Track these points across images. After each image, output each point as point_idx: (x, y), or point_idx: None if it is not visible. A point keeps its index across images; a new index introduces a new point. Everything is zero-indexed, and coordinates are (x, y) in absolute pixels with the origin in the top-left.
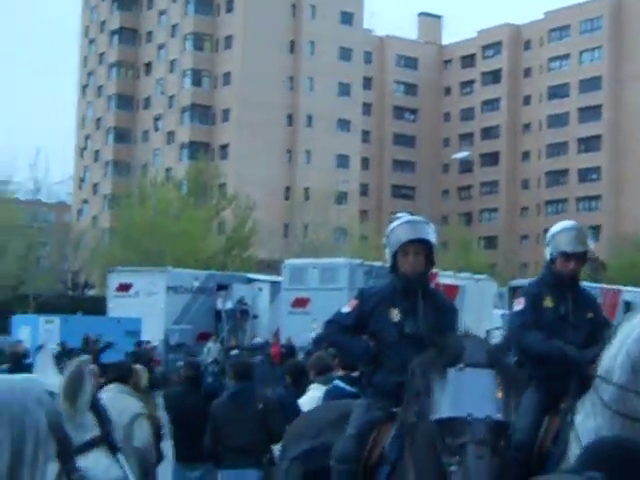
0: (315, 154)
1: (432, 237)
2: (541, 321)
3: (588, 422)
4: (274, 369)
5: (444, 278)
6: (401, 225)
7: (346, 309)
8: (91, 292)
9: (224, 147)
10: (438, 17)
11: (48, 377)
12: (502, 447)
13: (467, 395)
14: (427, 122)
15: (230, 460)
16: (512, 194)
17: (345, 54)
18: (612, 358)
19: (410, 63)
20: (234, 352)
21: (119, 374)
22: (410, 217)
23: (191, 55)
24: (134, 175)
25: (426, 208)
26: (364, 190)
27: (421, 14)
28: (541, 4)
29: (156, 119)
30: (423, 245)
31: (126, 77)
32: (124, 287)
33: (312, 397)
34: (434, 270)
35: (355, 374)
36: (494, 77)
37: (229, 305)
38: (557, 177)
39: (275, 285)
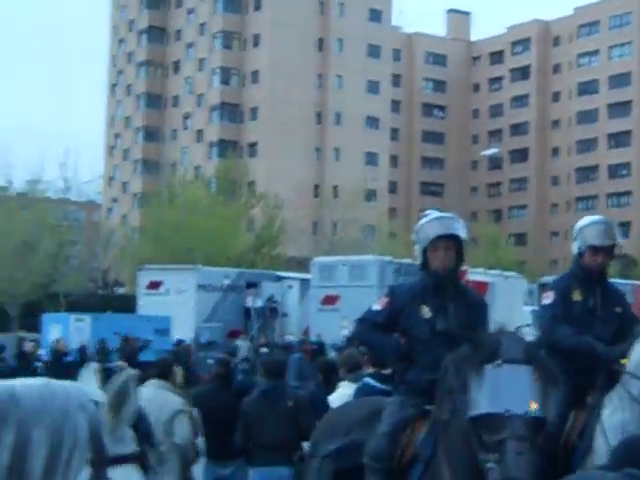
0: (344, 152)
1: (462, 232)
2: (570, 314)
3: (615, 417)
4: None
5: (474, 275)
6: (431, 221)
7: (377, 307)
8: (121, 290)
9: (253, 145)
10: (467, 14)
11: (91, 389)
12: (540, 443)
13: (505, 391)
14: (456, 119)
15: (261, 457)
16: (542, 191)
17: (374, 51)
18: None
19: (439, 60)
20: (264, 350)
21: (160, 371)
22: (440, 213)
23: (220, 53)
24: (163, 173)
25: (455, 205)
26: (393, 187)
27: (450, 11)
28: (570, 0)
29: (185, 117)
30: (453, 241)
31: (155, 76)
32: (154, 285)
33: (342, 394)
34: (464, 267)
35: (385, 371)
36: (523, 73)
37: (259, 303)
38: (587, 173)
39: (304, 283)
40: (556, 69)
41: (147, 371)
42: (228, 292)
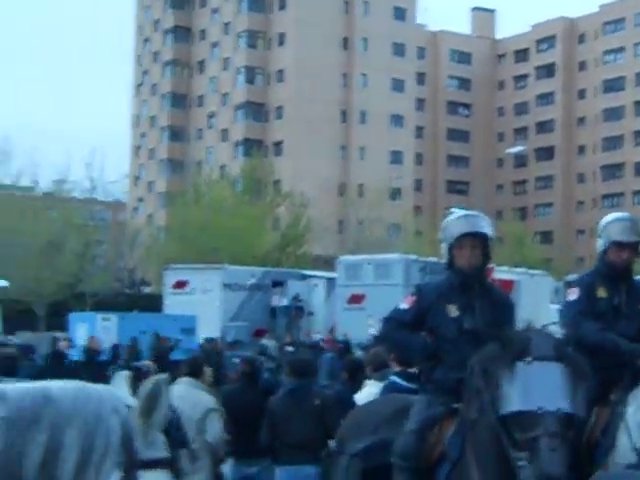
0: (369, 150)
1: (488, 230)
2: (594, 311)
3: (639, 414)
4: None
5: (499, 273)
6: (456, 219)
7: (404, 306)
8: (147, 290)
9: (278, 144)
10: (492, 11)
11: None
12: (572, 439)
13: (536, 388)
14: (481, 117)
15: (287, 456)
16: (567, 188)
17: (398, 50)
18: None
19: (464, 58)
20: (289, 349)
21: (191, 369)
22: (466, 211)
23: (244, 53)
24: (189, 173)
25: (480, 203)
26: (418, 186)
27: (475, 9)
28: None
29: (210, 117)
30: (479, 239)
31: (180, 75)
32: (180, 284)
33: (369, 393)
34: (491, 265)
35: (412, 370)
36: (548, 71)
37: (284, 302)
38: (613, 171)
39: (330, 281)
40: (582, 66)
41: (177, 370)
42: (254, 291)
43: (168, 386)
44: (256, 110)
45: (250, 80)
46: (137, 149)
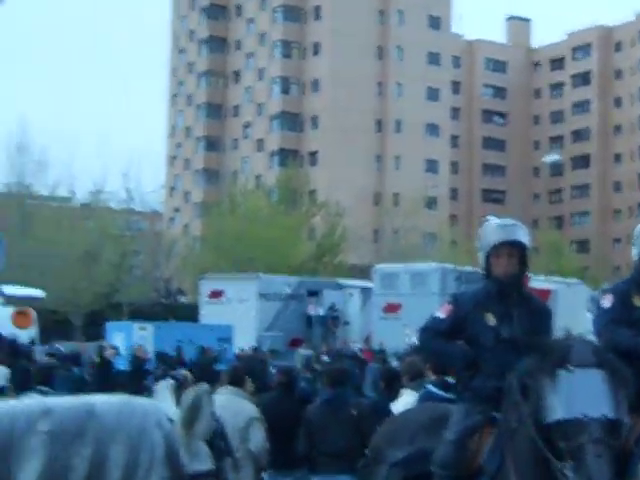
0: (404, 159)
1: (525, 239)
2: (629, 319)
3: None
4: None
5: (536, 282)
6: (494, 227)
7: (441, 315)
8: (183, 299)
9: (313, 154)
10: (527, 20)
11: (167, 406)
12: (617, 446)
13: (580, 396)
14: (517, 125)
15: (324, 465)
16: (604, 197)
17: (433, 59)
18: None
19: (499, 66)
20: (325, 358)
21: (233, 378)
22: (503, 220)
23: (280, 63)
24: (224, 183)
25: (516, 212)
26: (454, 195)
27: (510, 18)
28: (632, 5)
29: (245, 127)
30: (516, 247)
31: (215, 86)
32: (216, 294)
33: (405, 402)
34: (527, 274)
35: (448, 379)
36: (584, 79)
37: (320, 311)
38: None
39: (366, 291)
40: (618, 74)
41: (222, 378)
42: (289, 301)
43: (210, 396)
44: (291, 120)
45: (285, 90)
46: (173, 159)
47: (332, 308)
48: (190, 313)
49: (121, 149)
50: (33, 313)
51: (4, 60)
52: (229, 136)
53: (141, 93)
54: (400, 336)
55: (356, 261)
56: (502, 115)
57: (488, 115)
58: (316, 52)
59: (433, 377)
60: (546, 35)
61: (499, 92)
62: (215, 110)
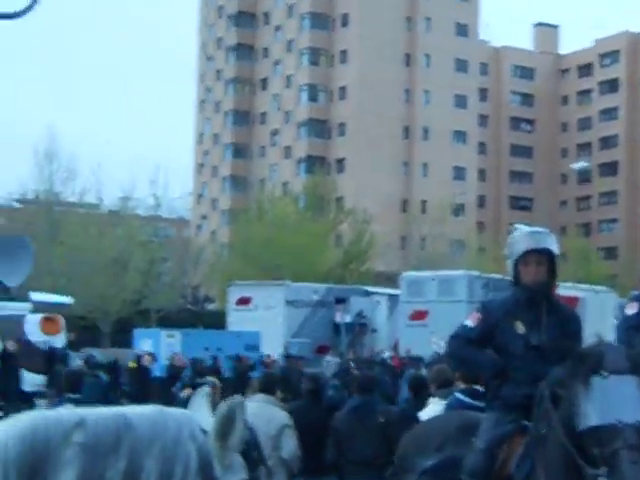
0: (432, 166)
1: (554, 247)
2: None
3: None
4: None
5: (564, 290)
6: (522, 235)
7: (470, 323)
8: (211, 306)
9: (341, 161)
10: (555, 27)
11: (202, 416)
12: None
13: (614, 402)
14: (544, 132)
15: (352, 473)
16: (632, 204)
17: (461, 66)
18: None
19: (526, 73)
20: (352, 366)
21: (264, 386)
22: (531, 228)
23: (307, 70)
24: (252, 190)
25: (544, 219)
26: (481, 202)
27: (537, 24)
28: None
29: (273, 134)
30: (545, 255)
31: (243, 93)
32: (244, 301)
33: (433, 410)
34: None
35: (477, 387)
36: (612, 86)
37: (348, 318)
38: None
39: (393, 298)
40: None
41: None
42: (317, 307)
43: (244, 408)
44: (319, 127)
45: (313, 97)
46: (200, 166)
47: (359, 315)
48: (218, 320)
49: (149, 156)
50: (61, 320)
51: (35, 67)
52: (256, 143)
53: (169, 100)
54: (427, 343)
55: (383, 268)
56: (529, 122)
57: (515, 122)
58: (343, 59)
59: (462, 385)
60: (574, 42)
61: (526, 99)
62: (242, 117)
